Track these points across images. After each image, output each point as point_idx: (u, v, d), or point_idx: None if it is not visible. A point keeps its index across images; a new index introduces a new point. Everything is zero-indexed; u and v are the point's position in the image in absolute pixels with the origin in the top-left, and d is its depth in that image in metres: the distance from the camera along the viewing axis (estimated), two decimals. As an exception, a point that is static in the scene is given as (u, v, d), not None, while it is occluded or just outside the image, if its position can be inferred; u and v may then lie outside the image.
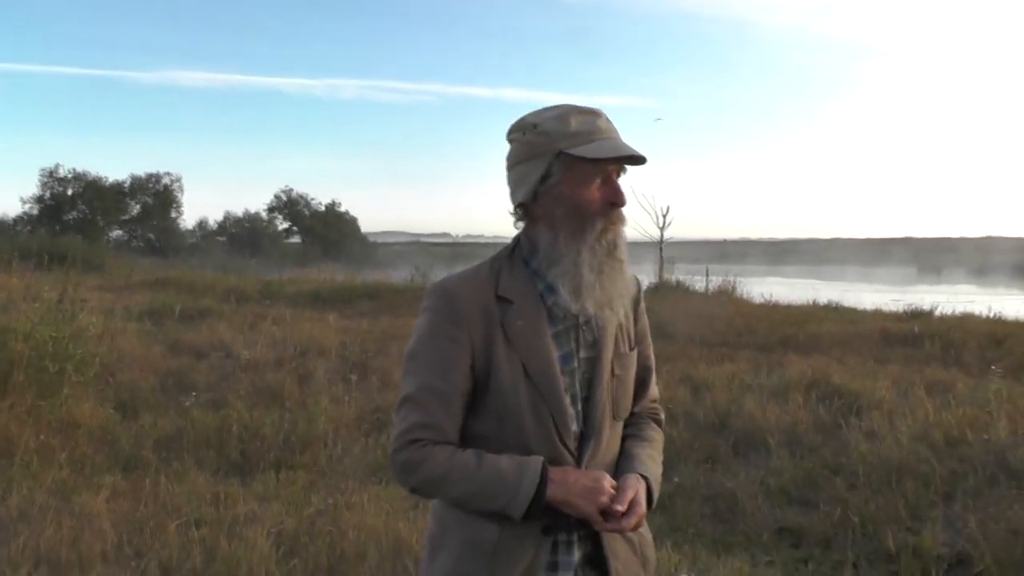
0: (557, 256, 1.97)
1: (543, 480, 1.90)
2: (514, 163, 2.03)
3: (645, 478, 2.05)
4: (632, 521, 1.94)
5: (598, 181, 1.97)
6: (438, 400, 1.95)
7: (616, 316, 2.06)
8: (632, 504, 1.94)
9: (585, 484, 1.92)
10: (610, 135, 1.98)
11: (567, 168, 1.95)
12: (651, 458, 2.15)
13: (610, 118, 2.03)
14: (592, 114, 1.99)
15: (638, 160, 1.98)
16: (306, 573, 4.59)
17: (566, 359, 2.01)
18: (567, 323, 2.03)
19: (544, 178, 1.97)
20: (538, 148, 1.97)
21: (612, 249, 1.99)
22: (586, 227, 1.97)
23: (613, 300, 2.00)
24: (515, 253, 2.05)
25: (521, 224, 2.06)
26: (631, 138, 2.01)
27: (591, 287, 1.96)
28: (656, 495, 2.08)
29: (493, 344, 1.96)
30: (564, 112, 1.98)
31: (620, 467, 2.08)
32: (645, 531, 2.16)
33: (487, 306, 1.98)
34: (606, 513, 1.92)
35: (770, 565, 5.09)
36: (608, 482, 1.94)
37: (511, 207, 2.06)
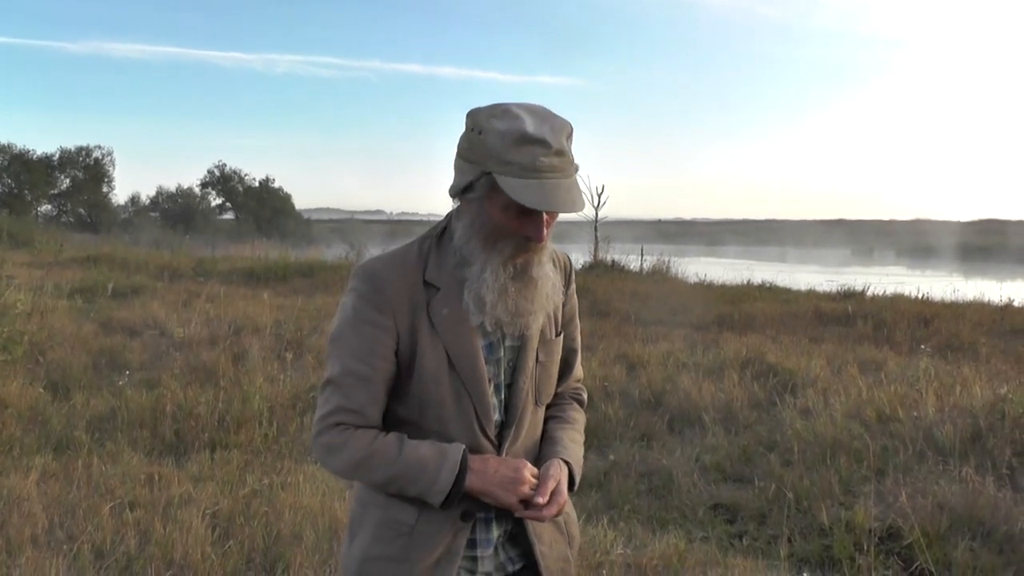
0: (469, 258, 1.94)
1: (463, 469, 1.89)
2: (457, 152, 1.92)
3: (567, 463, 2.05)
4: (553, 511, 1.94)
5: (520, 214, 1.85)
6: (360, 384, 1.93)
7: (528, 330, 1.99)
8: (553, 494, 1.94)
9: (505, 474, 1.92)
10: (549, 176, 1.80)
11: (492, 189, 1.83)
12: (573, 440, 2.14)
13: (566, 146, 1.84)
14: (542, 145, 1.78)
15: (550, 212, 1.87)
16: (242, 555, 4.54)
17: (491, 348, 1.99)
18: None
19: (467, 188, 1.88)
20: (474, 154, 1.85)
21: (522, 271, 1.92)
22: (495, 248, 1.90)
23: (520, 317, 1.94)
24: (445, 236, 2.01)
25: (456, 204, 2.00)
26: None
27: (492, 306, 1.91)
28: (578, 479, 2.08)
29: (418, 331, 1.93)
30: (512, 131, 1.79)
31: (542, 451, 2.09)
32: (570, 508, 2.16)
33: (414, 291, 1.94)
34: (526, 500, 1.93)
35: (705, 541, 5.15)
36: (529, 471, 1.94)
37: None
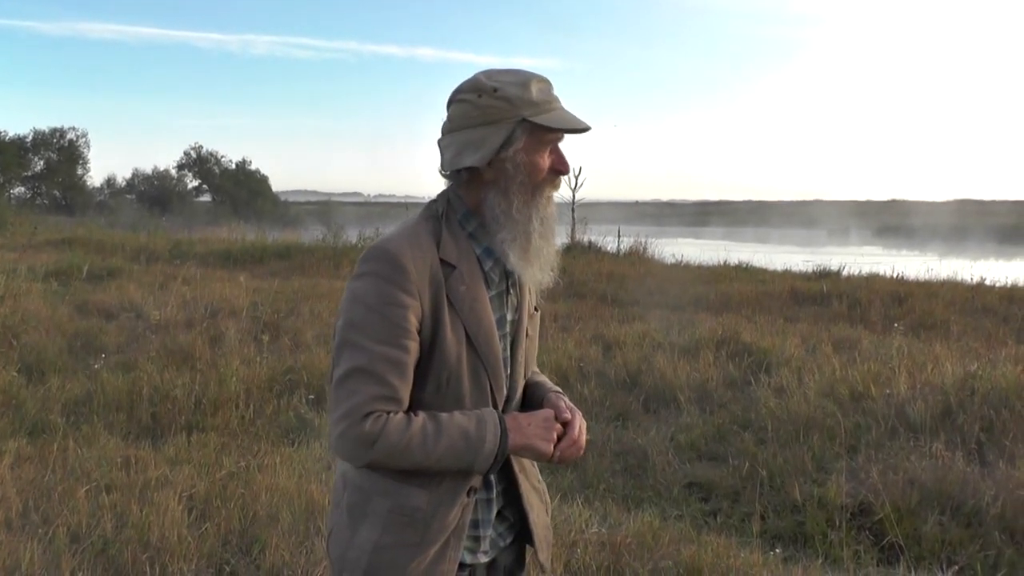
0: (508, 222, 1.96)
1: (503, 430, 1.94)
2: (465, 125, 1.96)
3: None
4: (583, 440, 2.05)
5: (548, 150, 1.99)
6: (394, 369, 1.89)
7: (551, 280, 2.08)
8: (581, 427, 2.06)
9: (538, 424, 1.99)
10: (560, 104, 2.00)
11: (531, 134, 1.95)
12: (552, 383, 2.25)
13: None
14: (547, 83, 1.99)
15: (584, 131, 2.02)
16: (218, 537, 4.54)
17: (499, 324, 2.04)
18: (500, 287, 2.05)
19: (505, 144, 1.93)
20: (498, 113, 1.93)
21: (551, 217, 2.03)
22: (537, 194, 1.98)
23: (553, 265, 2.04)
24: (449, 215, 2.02)
25: (452, 185, 2.03)
26: None
27: (539, 252, 1.98)
28: None
29: (439, 310, 1.93)
30: (524, 79, 1.96)
31: (531, 394, 2.17)
32: (542, 479, 2.26)
33: (433, 270, 1.93)
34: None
35: (679, 519, 5.20)
36: (556, 418, 2.03)
37: (446, 168, 2.00)
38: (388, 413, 1.88)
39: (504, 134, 1.93)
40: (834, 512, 5.09)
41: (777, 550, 4.75)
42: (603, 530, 4.81)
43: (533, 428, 1.98)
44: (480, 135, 1.94)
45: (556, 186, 2.04)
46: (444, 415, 1.93)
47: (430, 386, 1.96)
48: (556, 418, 2.02)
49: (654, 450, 6.23)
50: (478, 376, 1.98)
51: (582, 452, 2.06)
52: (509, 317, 2.07)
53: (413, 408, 1.95)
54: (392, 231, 2.02)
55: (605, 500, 5.47)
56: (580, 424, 2.04)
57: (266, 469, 5.53)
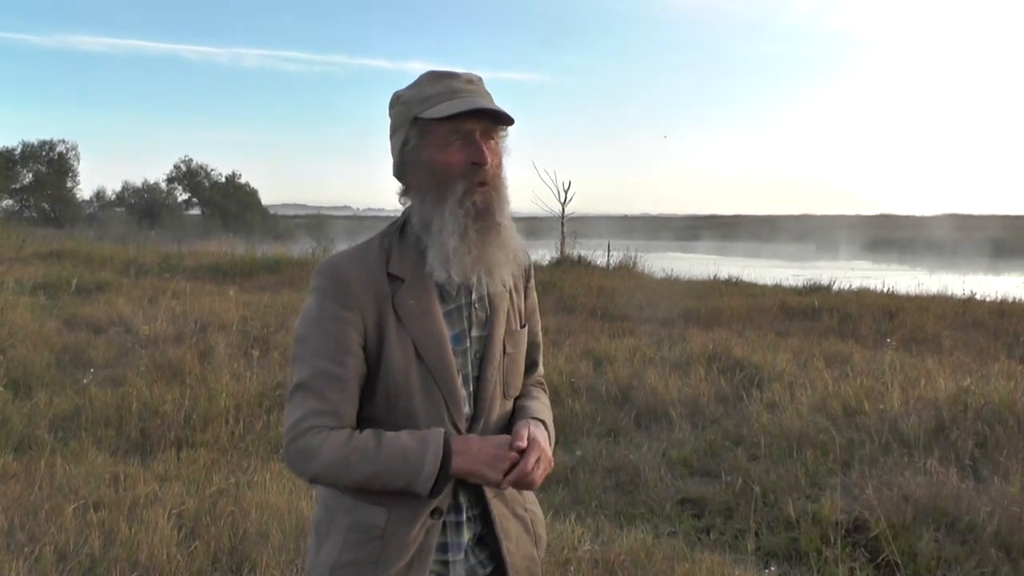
0: (426, 224, 1.94)
1: (447, 453, 1.86)
2: (389, 138, 2.01)
3: (543, 422, 2.05)
4: (539, 474, 1.91)
5: (458, 143, 1.91)
6: (333, 384, 1.88)
7: (496, 285, 1.99)
8: (539, 458, 1.91)
9: (489, 451, 1.88)
10: (467, 95, 1.91)
11: (423, 133, 1.92)
12: (545, 405, 2.16)
13: (477, 79, 1.98)
14: (450, 76, 1.94)
15: (498, 117, 1.93)
16: (208, 555, 4.50)
17: (458, 339, 1.98)
18: (459, 302, 1.99)
19: (403, 146, 1.95)
20: (399, 119, 1.96)
21: (481, 213, 1.92)
22: (447, 191, 1.91)
23: (491, 268, 1.94)
24: (405, 229, 2.00)
25: (406, 199, 2.02)
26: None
27: (457, 254, 1.89)
28: (552, 439, 2.07)
29: (385, 324, 1.91)
30: (420, 79, 1.96)
31: (514, 420, 2.07)
32: (536, 508, 2.16)
33: (378, 285, 1.92)
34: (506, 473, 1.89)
35: (672, 536, 5.17)
36: (512, 446, 1.90)
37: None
38: (330, 428, 1.87)
39: (401, 137, 1.95)
40: (828, 529, 5.06)
41: (772, 567, 4.72)
42: (596, 547, 4.78)
43: (482, 454, 1.88)
44: (392, 145, 1.99)
45: (478, 181, 1.92)
46: (390, 433, 1.88)
47: (380, 401, 1.94)
48: (512, 446, 1.91)
49: (646, 466, 6.19)
50: (430, 392, 1.93)
51: (536, 486, 1.93)
52: (474, 333, 2.01)
53: (365, 423, 1.93)
54: (348, 247, 2.05)
55: (597, 517, 5.43)
56: (537, 456, 1.90)
57: (256, 486, 5.48)
